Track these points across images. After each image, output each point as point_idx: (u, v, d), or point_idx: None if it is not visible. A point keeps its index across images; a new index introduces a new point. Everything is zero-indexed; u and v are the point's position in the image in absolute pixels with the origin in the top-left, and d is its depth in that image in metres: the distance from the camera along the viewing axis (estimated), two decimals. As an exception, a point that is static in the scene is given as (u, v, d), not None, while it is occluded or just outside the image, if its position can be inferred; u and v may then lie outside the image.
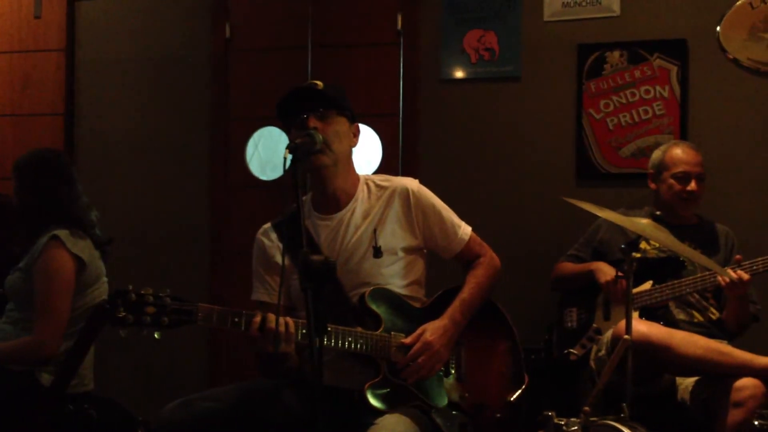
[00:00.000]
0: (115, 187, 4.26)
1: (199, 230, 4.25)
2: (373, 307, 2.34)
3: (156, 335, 2.02)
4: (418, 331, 2.35)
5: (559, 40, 3.92)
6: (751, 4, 3.71)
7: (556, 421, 2.20)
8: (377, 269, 2.39)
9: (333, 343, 2.22)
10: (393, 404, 2.26)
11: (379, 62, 4.16)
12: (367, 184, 2.52)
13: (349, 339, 2.25)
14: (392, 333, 2.33)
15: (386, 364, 2.30)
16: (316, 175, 2.42)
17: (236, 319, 2.12)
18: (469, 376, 2.43)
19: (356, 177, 2.51)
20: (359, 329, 2.29)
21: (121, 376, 4.08)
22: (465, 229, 2.55)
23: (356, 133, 2.51)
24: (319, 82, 2.45)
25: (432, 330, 2.35)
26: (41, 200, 2.94)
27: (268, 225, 2.52)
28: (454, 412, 2.35)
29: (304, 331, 2.17)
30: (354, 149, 2.51)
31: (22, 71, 4.49)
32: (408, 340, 2.33)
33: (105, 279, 3.02)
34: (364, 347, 2.27)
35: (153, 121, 4.35)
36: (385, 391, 2.28)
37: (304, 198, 2.47)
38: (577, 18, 3.92)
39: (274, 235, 2.47)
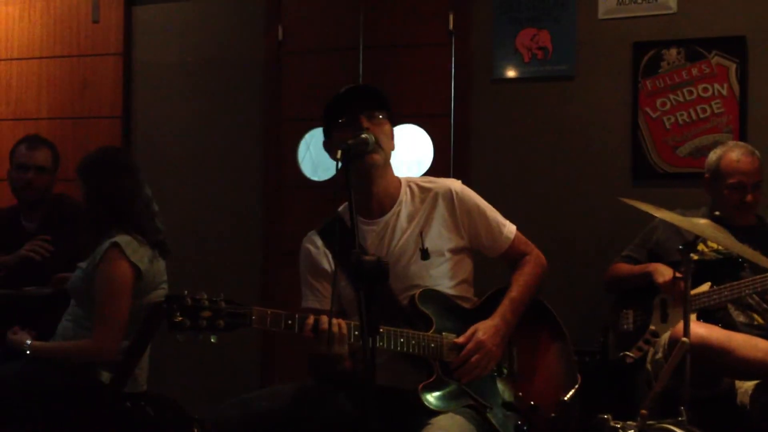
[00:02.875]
0: (170, 189, 4.34)
1: (253, 231, 4.30)
2: (423, 308, 2.34)
3: (212, 339, 2.03)
4: (471, 330, 2.35)
5: (614, 38, 3.87)
6: (813, -2, 3.61)
7: (612, 424, 2.17)
8: (425, 271, 2.40)
9: (385, 345, 2.22)
10: (448, 404, 2.26)
11: (431, 62, 4.16)
12: (410, 187, 2.52)
13: (401, 340, 2.25)
14: (443, 333, 2.33)
15: (439, 364, 2.30)
16: (366, 176, 2.40)
17: (289, 322, 2.14)
18: (522, 375, 2.42)
19: (398, 180, 2.52)
20: (410, 331, 2.29)
21: (177, 376, 4.14)
22: (510, 228, 2.54)
23: (393, 136, 2.50)
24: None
25: (484, 329, 2.35)
26: (107, 199, 2.99)
27: (312, 232, 2.53)
28: (508, 412, 2.34)
29: (356, 332, 2.17)
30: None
31: (80, 75, 4.60)
32: (461, 339, 2.33)
33: (165, 285, 3.07)
34: (416, 348, 2.26)
35: (207, 123, 4.42)
36: (439, 391, 2.27)
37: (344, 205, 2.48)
38: (632, 15, 3.87)
39: (320, 242, 2.48)
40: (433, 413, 2.23)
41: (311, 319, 2.14)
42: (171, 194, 4.34)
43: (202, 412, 2.91)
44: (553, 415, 2.38)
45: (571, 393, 2.41)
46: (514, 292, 2.47)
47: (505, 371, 2.40)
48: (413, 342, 2.26)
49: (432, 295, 2.37)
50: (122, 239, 2.91)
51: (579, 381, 2.45)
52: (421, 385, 2.25)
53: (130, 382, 2.93)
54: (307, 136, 4.35)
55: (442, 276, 2.42)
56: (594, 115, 3.88)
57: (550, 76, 3.98)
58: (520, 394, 2.38)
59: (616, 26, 3.88)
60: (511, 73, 4.05)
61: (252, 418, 2.23)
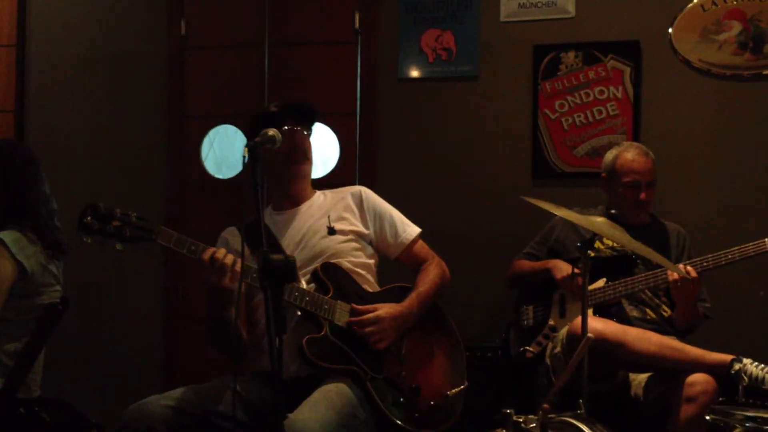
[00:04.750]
0: (66, 186, 4.18)
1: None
2: (324, 277, 2.51)
3: (118, 246, 2.25)
4: (375, 305, 2.51)
5: (515, 40, 3.96)
6: (702, 6, 3.78)
7: (514, 418, 2.22)
8: (332, 244, 2.60)
9: (285, 296, 2.36)
10: (330, 362, 2.40)
11: (337, 61, 4.16)
12: (323, 193, 2.78)
13: (296, 294, 2.41)
14: (338, 301, 2.49)
15: (329, 325, 2.44)
16: (289, 181, 2.66)
17: (192, 247, 2.33)
18: (410, 361, 2.53)
19: (312, 189, 2.78)
20: (306, 289, 2.46)
21: (76, 382, 3.99)
22: (413, 229, 2.75)
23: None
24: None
25: (387, 308, 2.51)
26: (3, 192, 2.87)
27: (231, 228, 2.71)
28: (389, 387, 2.45)
29: (254, 275, 2.35)
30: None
31: (-30, 67, 4.39)
32: (361, 308, 2.49)
33: (59, 286, 2.95)
34: (309, 305, 2.42)
35: (107, 120, 4.29)
36: (324, 347, 2.41)
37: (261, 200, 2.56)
38: (533, 19, 3.96)
39: (237, 236, 2.64)
40: (319, 378, 2.37)
41: (211, 249, 2.34)
42: (67, 194, 4.18)
43: (102, 416, 2.84)
44: (432, 402, 2.50)
45: (455, 390, 2.55)
46: (423, 287, 2.64)
47: (394, 352, 2.51)
48: (307, 299, 2.42)
49: (335, 268, 2.56)
50: (10, 235, 2.79)
51: (466, 384, 2.59)
52: (306, 338, 2.39)
53: (22, 389, 2.81)
54: (211, 134, 4.28)
55: (348, 251, 2.61)
56: (496, 116, 3.96)
57: (454, 76, 4.04)
58: (404, 374, 2.49)
59: (517, 29, 3.97)
60: (416, 73, 4.09)
61: (155, 420, 2.24)
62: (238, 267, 2.31)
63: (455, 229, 3.85)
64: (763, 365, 2.54)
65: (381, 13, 4.11)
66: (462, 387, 2.57)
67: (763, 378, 2.50)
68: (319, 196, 2.75)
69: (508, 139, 3.94)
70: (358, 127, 4.10)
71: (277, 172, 2.65)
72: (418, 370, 2.54)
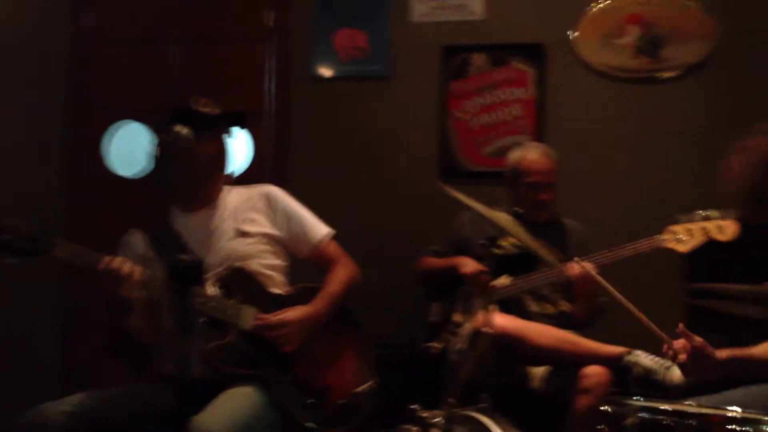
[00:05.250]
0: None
1: (54, 226, 4.08)
2: (230, 281, 2.48)
3: (9, 261, 2.15)
4: (283, 309, 2.50)
5: (426, 41, 4.03)
6: (603, 11, 3.92)
7: (420, 414, 2.28)
8: (240, 246, 2.56)
9: (189, 303, 2.32)
10: (236, 367, 2.39)
11: (249, 59, 4.14)
12: (233, 190, 2.71)
13: (200, 300, 2.37)
14: (243, 305, 2.47)
15: (235, 330, 2.42)
16: (195, 184, 2.59)
17: (90, 258, 2.27)
18: (318, 362, 2.55)
19: (220, 184, 2.69)
20: (210, 294, 2.42)
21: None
22: (324, 229, 2.74)
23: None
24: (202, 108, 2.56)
25: (294, 311, 2.51)
26: None
27: (135, 229, 2.63)
28: (297, 389, 2.46)
29: (156, 285, 2.32)
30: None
31: None
32: (269, 315, 2.47)
33: None
34: (214, 311, 2.40)
35: (5, 114, 4.15)
36: (230, 354, 2.40)
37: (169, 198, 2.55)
38: (443, 20, 4.04)
39: (140, 235, 2.58)
40: (227, 386, 2.34)
41: (107, 258, 2.28)
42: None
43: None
44: (341, 402, 2.52)
45: (362, 387, 2.57)
46: (332, 288, 2.64)
47: (302, 354, 2.52)
48: (211, 304, 2.40)
49: (240, 272, 2.52)
50: None
51: (375, 381, 2.61)
52: (211, 345, 2.37)
53: None
54: (117, 130, 4.20)
55: (255, 253, 2.58)
56: (407, 115, 4.02)
57: (367, 75, 4.09)
58: (313, 375, 2.51)
59: (428, 30, 4.04)
60: (328, 72, 4.11)
61: (50, 428, 2.18)
62: (137, 276, 2.27)
63: (365, 228, 3.89)
64: (653, 356, 2.66)
65: (293, 11, 4.12)
66: (370, 383, 2.60)
67: (654, 369, 2.63)
68: (229, 195, 2.70)
69: (418, 139, 4.01)
70: (270, 126, 4.09)
71: (185, 174, 2.55)
72: (326, 370, 2.55)
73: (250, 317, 2.46)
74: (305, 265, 2.80)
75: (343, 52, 4.12)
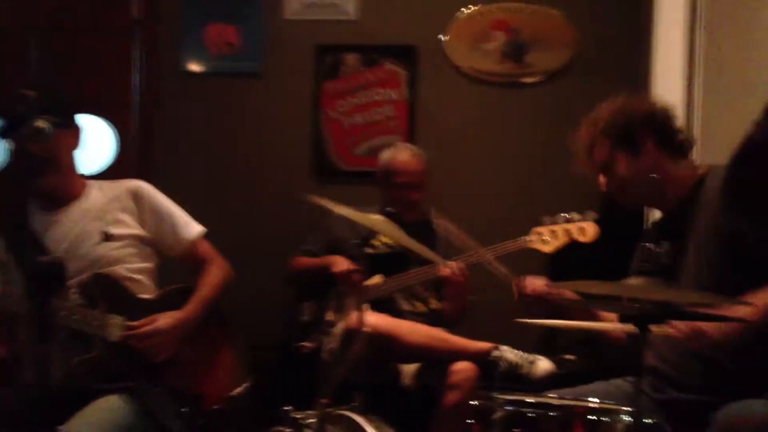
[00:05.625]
0: None
1: None
2: (95, 290, 2.38)
3: None
4: (152, 317, 2.40)
5: (298, 39, 4.02)
6: (471, 16, 4.03)
7: (293, 415, 2.27)
8: (107, 251, 2.45)
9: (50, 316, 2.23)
10: (104, 381, 2.30)
11: (114, 50, 4.00)
12: (96, 185, 2.58)
13: (63, 313, 2.27)
14: (109, 315, 2.36)
15: (101, 342, 2.32)
16: (53, 180, 2.44)
17: None
18: (191, 368, 2.48)
19: (83, 180, 2.56)
20: (74, 306, 2.32)
21: None
22: (196, 228, 2.64)
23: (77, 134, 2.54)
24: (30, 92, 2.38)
25: (166, 319, 2.41)
26: None
27: None
28: (171, 398, 2.39)
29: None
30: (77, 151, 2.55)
31: None
32: (137, 323, 2.37)
33: None
34: (77, 324, 2.29)
35: None
36: (97, 367, 2.31)
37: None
38: (316, 19, 4.04)
39: None
40: (95, 396, 2.26)
41: None
42: None
43: None
44: (216, 407, 2.48)
45: (239, 390, 2.53)
46: (204, 291, 2.55)
47: (174, 361, 2.45)
48: (75, 317, 2.29)
49: (105, 279, 2.42)
50: None
51: (249, 382, 2.57)
52: (77, 360, 2.28)
53: None
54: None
55: (123, 258, 2.47)
56: (279, 113, 4.00)
57: (238, 72, 4.04)
58: (187, 383, 2.44)
59: (301, 28, 4.03)
60: (198, 67, 4.04)
61: None
62: None
63: (237, 226, 3.84)
64: (518, 351, 2.77)
65: (162, 3, 4.01)
66: (245, 386, 2.56)
67: (519, 363, 2.73)
68: (93, 191, 2.55)
69: (291, 137, 4.00)
70: (136, 120, 3.97)
71: (41, 169, 2.41)
72: (200, 376, 2.49)
73: (117, 327, 2.35)
74: (174, 264, 2.72)
75: (213, 47, 4.05)
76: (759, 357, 1.95)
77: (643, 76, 3.61)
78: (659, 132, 2.18)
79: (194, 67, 4.03)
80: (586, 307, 2.24)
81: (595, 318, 2.28)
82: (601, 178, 2.23)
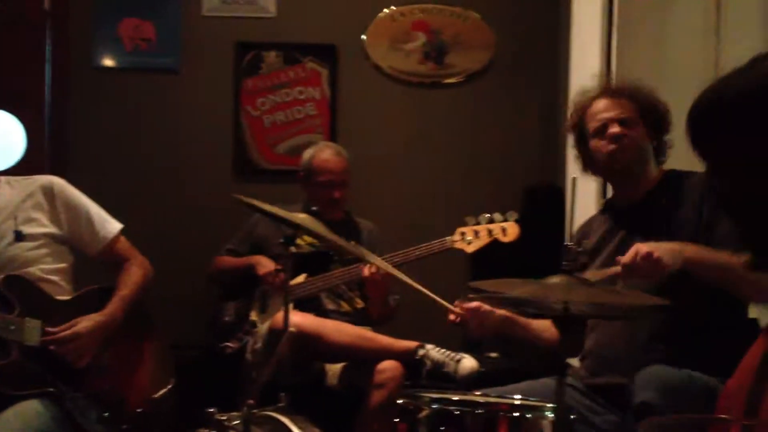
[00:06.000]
0: None
1: None
2: (8, 292, 2.30)
3: None
4: (72, 321, 2.33)
5: (217, 35, 3.96)
6: (392, 16, 4.05)
7: (217, 417, 2.24)
8: (21, 252, 2.38)
9: None
10: (21, 388, 2.22)
11: (23, 43, 3.85)
12: (8, 182, 2.50)
13: None
14: (27, 318, 2.29)
15: (18, 347, 2.25)
16: None
17: None
18: (113, 371, 2.43)
19: None
20: None
21: None
22: (114, 226, 2.58)
23: None
24: None
25: (86, 323, 2.35)
26: None
27: None
28: (92, 402, 2.34)
29: None
30: None
31: None
32: (58, 328, 2.31)
33: None
34: None
35: None
36: (13, 373, 2.23)
37: None
38: (235, 15, 3.99)
39: None
40: (13, 402, 2.19)
41: None
42: None
43: None
44: (139, 410, 2.43)
45: (162, 392, 2.50)
46: (125, 290, 2.50)
47: (96, 364, 2.40)
48: None
49: (19, 281, 2.34)
50: None
51: (172, 383, 2.54)
52: None
53: None
54: None
55: (37, 258, 2.40)
56: (198, 111, 3.94)
57: (154, 68, 3.95)
58: (108, 386, 2.40)
59: (219, 24, 3.97)
60: (113, 62, 3.94)
61: None
62: None
63: (157, 225, 3.76)
64: (443, 350, 2.80)
65: (74, -5, 3.89)
66: (169, 387, 2.52)
67: (444, 361, 2.77)
68: (2, 188, 2.47)
69: (210, 135, 3.94)
70: (47, 117, 3.84)
71: None
72: (122, 379, 2.44)
73: (35, 332, 2.27)
74: (91, 263, 2.64)
75: (128, 42, 3.95)
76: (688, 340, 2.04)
77: (562, 77, 3.71)
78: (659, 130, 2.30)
79: (109, 62, 3.93)
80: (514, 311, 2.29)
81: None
82: (615, 127, 2.23)
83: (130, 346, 2.52)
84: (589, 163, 2.35)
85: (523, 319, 2.36)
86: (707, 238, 2.08)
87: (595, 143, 2.29)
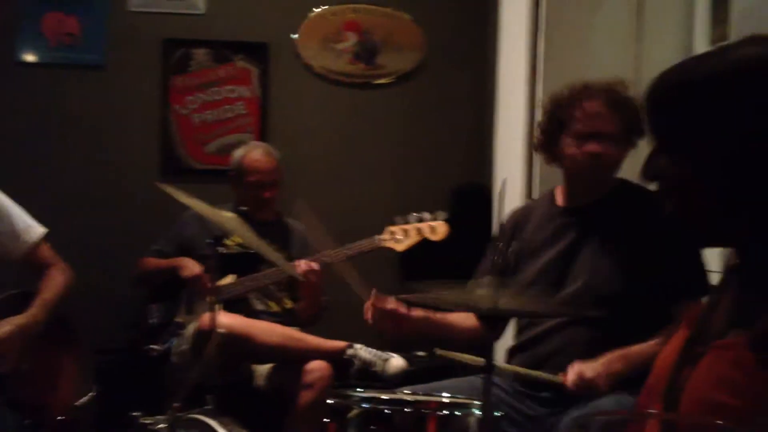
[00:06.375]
0: None
1: None
2: None
3: None
4: None
5: (144, 32, 3.89)
6: (323, 16, 4.04)
7: (142, 420, 2.20)
8: None
9: None
10: None
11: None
12: None
13: None
14: None
15: None
16: None
17: None
18: (33, 378, 2.38)
19: None
20: None
21: None
22: (37, 230, 2.53)
23: None
24: None
25: (7, 327, 2.30)
26: None
27: None
28: (10, 410, 2.29)
29: None
30: None
31: None
32: None
33: None
34: None
35: None
36: None
37: None
38: (162, 11, 3.92)
39: None
40: None
41: None
42: None
43: None
44: (60, 418, 2.39)
45: (84, 399, 2.46)
46: (47, 294, 2.45)
47: (13, 369, 2.34)
48: None
49: None
50: None
51: (94, 390, 2.50)
52: None
53: None
54: None
55: None
56: (125, 108, 3.86)
57: (79, 64, 3.86)
58: (28, 393, 2.34)
59: (147, 20, 3.90)
60: (35, 58, 3.83)
61: None
62: None
63: (82, 225, 3.67)
64: (372, 349, 2.81)
65: (-6, -11, 3.77)
66: (90, 395, 2.47)
67: (373, 361, 2.77)
68: None
69: (138, 133, 3.87)
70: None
71: None
72: (42, 386, 2.39)
73: None
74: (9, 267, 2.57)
75: (52, 37, 3.84)
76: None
77: (490, 79, 3.76)
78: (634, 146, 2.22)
79: (31, 57, 3.82)
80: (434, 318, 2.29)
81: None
82: (594, 146, 2.16)
83: (51, 352, 2.47)
84: (552, 150, 2.27)
85: (440, 317, 2.33)
86: (652, 260, 2.10)
87: (569, 143, 2.19)
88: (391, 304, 2.25)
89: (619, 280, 2.14)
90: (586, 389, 2.01)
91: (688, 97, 1.11)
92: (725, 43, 1.18)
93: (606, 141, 2.16)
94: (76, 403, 2.44)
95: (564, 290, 2.18)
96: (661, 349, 1.25)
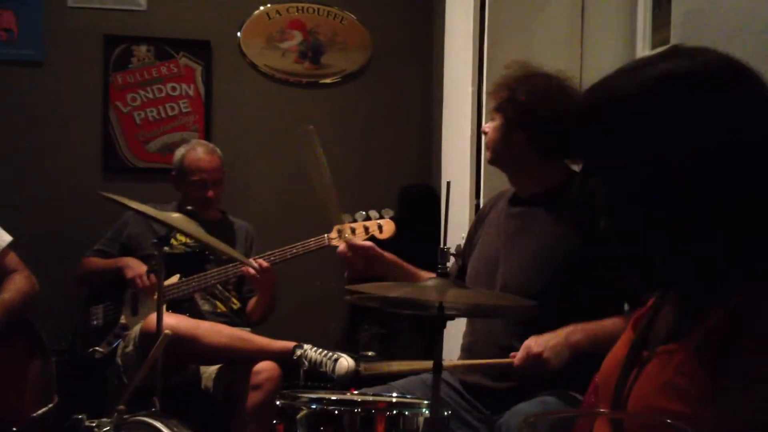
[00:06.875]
0: None
1: None
2: None
3: None
4: None
5: (84, 28, 3.82)
6: (268, 14, 4.02)
7: (87, 423, 2.15)
8: None
9: None
10: None
11: None
12: None
13: None
14: None
15: None
16: None
17: None
18: None
19: None
20: None
21: None
22: (5, 237, 2.51)
23: None
24: None
25: None
26: None
27: None
28: None
29: None
30: None
31: None
32: None
33: None
34: None
35: None
36: None
37: None
38: (103, 7, 3.85)
39: None
40: None
41: None
42: None
43: None
44: (15, 429, 2.34)
45: (43, 410, 2.40)
46: (6, 295, 2.43)
47: None
48: None
49: None
50: None
51: (55, 401, 2.45)
52: None
53: None
54: None
55: None
56: (64, 106, 3.79)
57: (15, 60, 3.77)
58: None
59: (86, 16, 3.83)
60: (-31, 53, 3.72)
61: None
62: None
63: (21, 225, 3.54)
64: (321, 350, 2.79)
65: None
66: (50, 406, 2.40)
67: (321, 361, 2.76)
68: None
69: (78, 131, 3.79)
70: None
71: None
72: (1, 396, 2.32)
73: None
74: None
75: (-13, 32, 3.74)
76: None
77: (436, 80, 3.79)
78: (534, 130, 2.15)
79: (-35, 52, 3.71)
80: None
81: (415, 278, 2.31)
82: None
83: (11, 360, 2.42)
84: None
85: (411, 268, 2.35)
86: (573, 258, 2.07)
87: None
88: (368, 242, 2.32)
89: (536, 278, 2.10)
90: (534, 366, 1.96)
91: (606, 118, 1.11)
92: (648, 55, 1.19)
93: (490, 122, 2.23)
94: (34, 414, 2.37)
95: (495, 286, 2.18)
96: (624, 328, 1.26)
